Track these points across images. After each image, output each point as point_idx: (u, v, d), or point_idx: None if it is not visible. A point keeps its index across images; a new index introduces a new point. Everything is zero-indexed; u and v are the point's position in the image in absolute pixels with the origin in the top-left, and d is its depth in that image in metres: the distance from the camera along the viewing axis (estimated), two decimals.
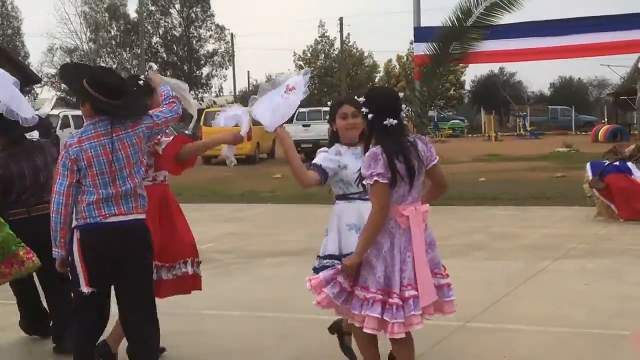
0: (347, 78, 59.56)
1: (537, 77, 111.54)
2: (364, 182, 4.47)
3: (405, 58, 63.28)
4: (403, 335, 4.40)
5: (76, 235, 4.61)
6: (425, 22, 19.92)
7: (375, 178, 4.33)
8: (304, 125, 30.79)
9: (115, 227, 4.60)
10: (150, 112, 4.92)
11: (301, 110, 34.91)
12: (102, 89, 4.63)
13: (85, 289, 4.59)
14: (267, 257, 10.26)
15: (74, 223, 4.67)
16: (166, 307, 7.39)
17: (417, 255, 4.41)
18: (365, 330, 4.42)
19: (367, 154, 4.46)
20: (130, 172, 4.66)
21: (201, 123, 31.09)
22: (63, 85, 64.67)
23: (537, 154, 28.76)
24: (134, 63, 64.36)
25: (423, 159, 4.50)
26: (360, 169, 4.56)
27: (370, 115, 4.48)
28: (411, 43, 49.66)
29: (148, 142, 4.96)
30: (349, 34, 66.27)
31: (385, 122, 4.43)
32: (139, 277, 4.75)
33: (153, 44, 65.54)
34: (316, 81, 62.95)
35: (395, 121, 4.45)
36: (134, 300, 4.79)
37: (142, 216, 4.75)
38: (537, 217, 13.30)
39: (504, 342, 6.10)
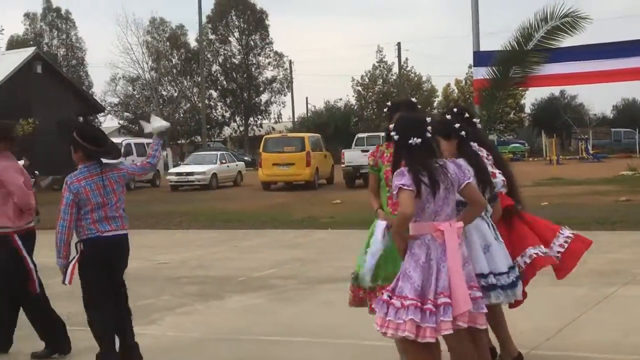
0: None
1: (599, 99, 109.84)
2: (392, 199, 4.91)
3: (463, 82, 63.04)
4: (433, 340, 4.68)
5: (79, 247, 6.20)
6: (484, 46, 19.84)
7: (400, 186, 4.69)
8: (362, 151, 30.76)
9: (109, 238, 6.26)
10: (130, 164, 6.74)
11: (360, 135, 35.06)
12: (89, 139, 6.22)
13: (67, 282, 6.12)
14: (328, 282, 10.25)
15: (76, 239, 6.20)
16: (228, 334, 7.47)
17: (452, 266, 4.70)
18: (400, 334, 4.66)
19: (394, 173, 4.82)
20: (116, 201, 6.29)
21: (260, 149, 31.37)
22: (126, 113, 66.10)
23: (600, 177, 28.22)
24: (194, 91, 65.39)
25: (453, 180, 4.81)
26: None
27: (396, 137, 4.88)
28: (470, 67, 49.54)
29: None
30: (407, 59, 66.49)
31: (410, 142, 4.79)
32: (122, 274, 6.54)
33: (213, 72, 66.55)
34: (374, 106, 63.00)
35: (419, 140, 4.79)
36: (118, 294, 6.43)
37: (127, 231, 6.48)
38: (602, 242, 12.99)
39: None
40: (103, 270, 6.23)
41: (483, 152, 5.60)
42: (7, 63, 37.35)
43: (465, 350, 4.91)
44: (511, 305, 5.64)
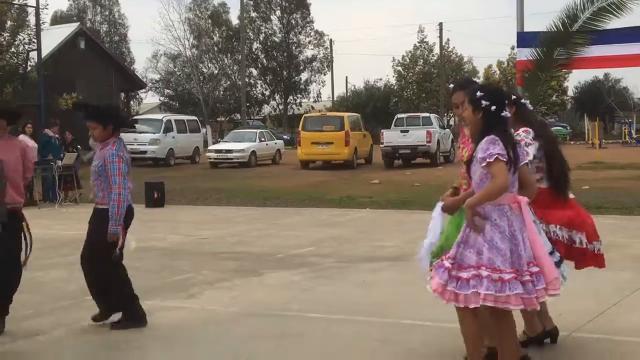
0: (446, 84, 58.92)
1: None
2: (473, 167, 4.89)
3: (505, 63, 62.37)
4: (538, 307, 4.86)
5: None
6: (528, 27, 19.55)
7: (496, 156, 4.71)
8: (402, 131, 30.68)
9: (131, 207, 6.81)
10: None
11: (399, 116, 34.88)
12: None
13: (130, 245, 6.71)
14: (366, 262, 10.26)
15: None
16: (266, 309, 7.52)
17: (532, 236, 4.83)
18: (512, 307, 4.71)
19: (483, 140, 4.82)
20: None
21: (299, 128, 31.41)
22: (167, 90, 66.50)
23: None
24: (234, 69, 65.53)
25: (520, 157, 4.94)
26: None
27: (493, 107, 4.87)
28: (513, 48, 49.01)
29: None
30: (448, 39, 65.91)
31: (503, 114, 4.87)
32: None
33: (254, 49, 66.59)
34: (414, 87, 62.66)
35: (509, 114, 4.94)
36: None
37: None
38: None
39: (611, 353, 5.92)
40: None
41: (528, 135, 5.55)
42: (52, 38, 37.79)
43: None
44: None
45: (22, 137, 15.62)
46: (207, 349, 6.22)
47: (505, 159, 4.73)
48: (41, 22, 34.17)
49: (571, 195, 5.96)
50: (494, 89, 5.08)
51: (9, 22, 34.47)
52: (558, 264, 5.32)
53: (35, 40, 33.61)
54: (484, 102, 4.88)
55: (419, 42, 64.65)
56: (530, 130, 5.58)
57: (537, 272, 4.78)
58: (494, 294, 4.67)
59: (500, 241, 4.74)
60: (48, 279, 9.13)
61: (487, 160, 4.75)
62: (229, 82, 66.59)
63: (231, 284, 8.93)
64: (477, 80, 59.47)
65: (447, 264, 4.85)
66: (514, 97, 5.76)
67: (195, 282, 9.02)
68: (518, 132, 5.46)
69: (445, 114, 57.97)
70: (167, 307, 7.70)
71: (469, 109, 4.99)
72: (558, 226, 5.64)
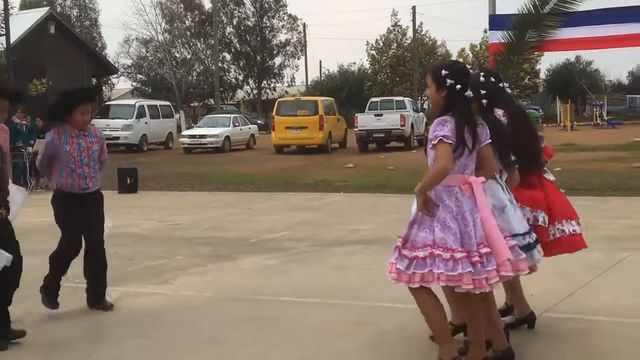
0: (420, 67, 58.97)
1: (615, 65, 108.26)
2: (428, 147, 4.79)
3: (478, 47, 62.50)
4: (488, 289, 4.76)
5: None
6: (500, 10, 19.60)
7: (440, 138, 4.66)
8: (376, 115, 30.70)
9: None
10: None
11: (373, 100, 34.87)
12: None
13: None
14: (341, 245, 10.28)
15: None
16: (241, 294, 7.53)
17: (485, 216, 4.75)
18: (463, 288, 4.66)
19: (435, 120, 4.80)
20: None
21: (273, 113, 31.33)
22: (139, 75, 65.99)
23: (615, 143, 28.06)
24: (207, 53, 65.15)
25: (480, 138, 4.87)
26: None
27: (458, 86, 4.80)
28: (485, 31, 49.11)
29: None
30: (421, 23, 65.97)
31: (466, 94, 4.81)
32: None
33: (227, 34, 66.20)
34: (388, 71, 62.66)
35: (472, 94, 4.87)
36: None
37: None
38: (616, 208, 13.03)
39: (582, 332, 5.99)
40: None
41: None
42: (21, 23, 37.33)
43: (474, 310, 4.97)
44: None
45: None
46: (181, 334, 6.21)
47: (450, 141, 4.66)
48: (10, 6, 33.75)
49: (551, 177, 5.99)
50: (459, 68, 4.99)
51: None
52: (532, 246, 5.31)
53: (3, 25, 33.18)
54: (448, 81, 4.82)
55: (392, 26, 64.68)
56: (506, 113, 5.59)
57: (486, 252, 4.72)
58: (445, 272, 4.64)
59: (451, 220, 4.71)
60: None
61: (432, 142, 4.72)
62: (202, 67, 66.20)
63: (205, 269, 8.92)
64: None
65: (398, 243, 4.85)
66: (492, 78, 5.74)
67: (169, 267, 9.00)
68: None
69: (419, 98, 58.06)
70: (140, 294, 7.68)
71: (432, 87, 4.93)
72: (526, 207, 5.65)
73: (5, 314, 6.04)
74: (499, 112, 5.51)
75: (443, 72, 4.85)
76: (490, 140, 4.96)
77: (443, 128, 4.70)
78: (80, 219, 6.87)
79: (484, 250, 4.72)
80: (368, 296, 7.21)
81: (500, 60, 17.10)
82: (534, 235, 5.41)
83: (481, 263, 4.69)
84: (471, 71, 5.19)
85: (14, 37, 33.77)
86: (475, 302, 4.92)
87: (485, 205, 4.78)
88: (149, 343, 6.03)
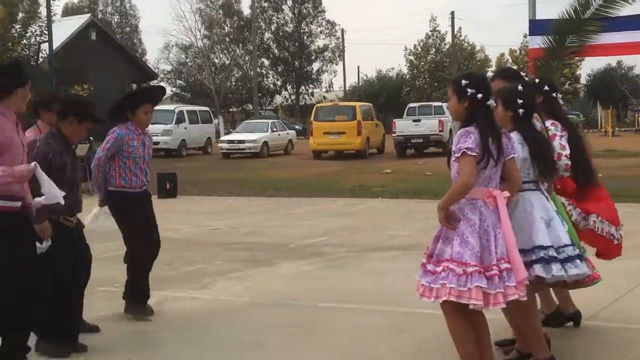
0: (459, 72, 58.77)
1: None
2: (452, 159, 4.69)
3: (518, 52, 62.04)
4: (504, 305, 4.60)
5: None
6: (540, 15, 19.44)
7: (464, 150, 4.56)
8: (414, 120, 30.59)
9: None
10: None
11: (411, 105, 34.77)
12: None
13: None
14: (379, 251, 10.26)
15: None
16: (278, 299, 7.54)
17: (507, 233, 4.63)
18: (472, 302, 4.51)
19: (459, 132, 4.69)
20: None
21: (311, 118, 31.38)
22: (178, 81, 66.54)
23: None
24: (246, 59, 65.51)
25: (504, 150, 4.75)
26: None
27: (479, 95, 4.69)
28: (525, 36, 48.68)
29: None
30: (460, 28, 65.51)
31: (488, 103, 4.72)
32: None
33: (265, 40, 66.50)
34: (427, 76, 62.43)
35: (494, 104, 4.82)
36: None
37: None
38: None
39: (624, 341, 5.91)
40: None
41: (557, 128, 5.50)
42: (63, 30, 37.87)
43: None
44: (583, 281, 5.48)
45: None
46: (219, 339, 6.24)
47: (474, 154, 4.55)
48: (52, 13, 34.18)
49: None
50: (479, 77, 4.88)
51: (20, 14, 34.53)
52: (576, 258, 5.15)
53: (46, 32, 33.66)
54: (469, 91, 4.71)
55: (430, 31, 64.35)
56: (558, 123, 5.54)
57: (507, 268, 4.58)
58: (457, 287, 4.52)
59: (471, 235, 4.58)
60: None
61: (455, 154, 4.62)
62: (240, 73, 66.56)
63: (243, 274, 8.95)
64: (489, 69, 58.93)
65: (423, 259, 4.79)
66: (546, 87, 5.70)
67: (207, 272, 9.04)
68: (547, 125, 5.42)
69: None
70: (179, 298, 7.73)
71: (453, 98, 4.82)
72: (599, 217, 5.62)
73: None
74: (547, 123, 5.45)
75: (463, 82, 4.75)
76: (515, 154, 4.84)
77: (467, 140, 4.59)
78: (144, 220, 7.01)
79: (504, 265, 4.59)
80: (406, 302, 7.16)
81: (540, 65, 17.00)
82: (579, 249, 5.27)
83: (500, 277, 4.55)
84: (525, 78, 5.11)
85: (56, 43, 34.25)
86: (464, 317, 4.74)
87: (507, 221, 4.65)
88: (188, 348, 6.07)
